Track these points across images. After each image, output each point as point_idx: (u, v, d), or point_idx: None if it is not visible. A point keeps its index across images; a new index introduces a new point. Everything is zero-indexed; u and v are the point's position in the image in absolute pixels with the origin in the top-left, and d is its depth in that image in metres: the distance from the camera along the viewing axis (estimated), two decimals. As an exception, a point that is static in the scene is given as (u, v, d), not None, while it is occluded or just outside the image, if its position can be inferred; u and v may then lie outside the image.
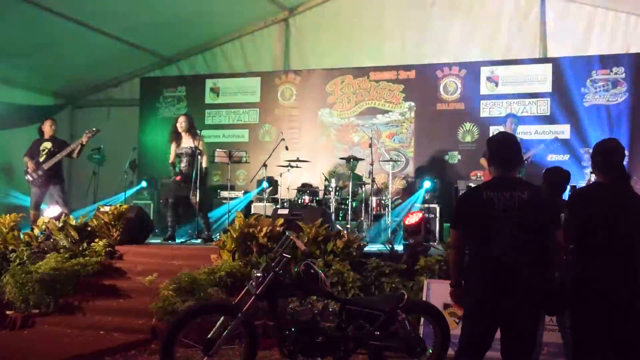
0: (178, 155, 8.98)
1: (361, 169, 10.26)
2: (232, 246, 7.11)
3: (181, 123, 9.00)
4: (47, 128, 9.30)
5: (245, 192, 10.78)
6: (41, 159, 9.02)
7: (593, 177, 4.26)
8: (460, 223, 3.75)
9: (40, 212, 9.04)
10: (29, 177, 9.05)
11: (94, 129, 9.32)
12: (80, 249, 7.68)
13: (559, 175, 4.95)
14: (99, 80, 13.00)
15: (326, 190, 9.71)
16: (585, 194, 4.16)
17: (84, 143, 9.17)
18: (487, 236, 3.59)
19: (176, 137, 9.04)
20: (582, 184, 8.85)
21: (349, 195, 9.49)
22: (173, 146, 9.03)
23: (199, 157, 8.78)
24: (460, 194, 3.94)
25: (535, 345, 3.75)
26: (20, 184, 9.64)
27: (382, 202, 9.84)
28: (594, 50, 10.19)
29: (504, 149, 3.71)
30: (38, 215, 8.87)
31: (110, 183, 11.67)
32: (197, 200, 8.66)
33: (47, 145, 9.16)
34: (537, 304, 3.55)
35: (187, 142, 8.97)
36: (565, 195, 5.07)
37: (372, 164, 9.60)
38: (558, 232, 3.60)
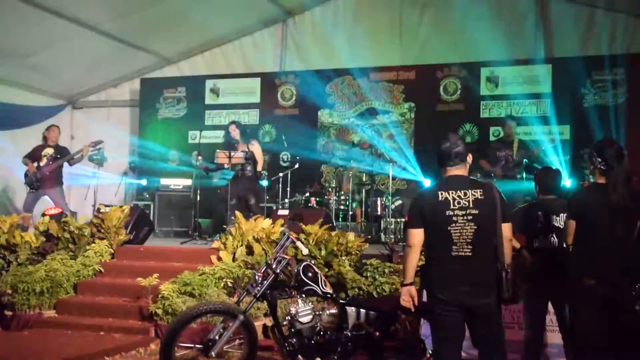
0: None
1: (361, 170, 10.26)
2: (232, 247, 7.11)
3: (233, 130, 9.12)
4: (51, 134, 9.37)
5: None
6: (42, 164, 9.07)
7: (591, 178, 4.26)
8: (417, 223, 3.84)
9: (33, 214, 9.08)
10: (27, 180, 9.10)
11: (98, 140, 9.38)
12: (81, 249, 7.68)
13: (550, 176, 4.94)
14: (99, 81, 12.99)
15: (326, 190, 9.72)
16: (585, 195, 4.16)
17: (84, 156, 9.28)
18: (446, 234, 3.70)
19: (229, 143, 9.20)
20: (582, 184, 8.85)
21: (349, 195, 9.50)
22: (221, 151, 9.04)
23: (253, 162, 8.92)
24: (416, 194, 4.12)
25: (503, 333, 3.86)
26: (18, 185, 9.64)
27: (382, 202, 9.84)
28: (594, 50, 10.18)
29: (450, 149, 3.82)
30: (30, 218, 8.91)
31: (110, 184, 11.68)
32: (253, 202, 8.81)
33: (49, 151, 9.22)
34: (495, 294, 3.69)
35: (241, 147, 9.02)
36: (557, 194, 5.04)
37: (372, 165, 9.60)
38: (505, 224, 3.76)
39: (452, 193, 3.74)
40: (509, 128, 8.96)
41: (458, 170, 3.84)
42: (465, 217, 3.68)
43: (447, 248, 3.70)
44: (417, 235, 3.84)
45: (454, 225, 3.69)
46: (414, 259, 3.88)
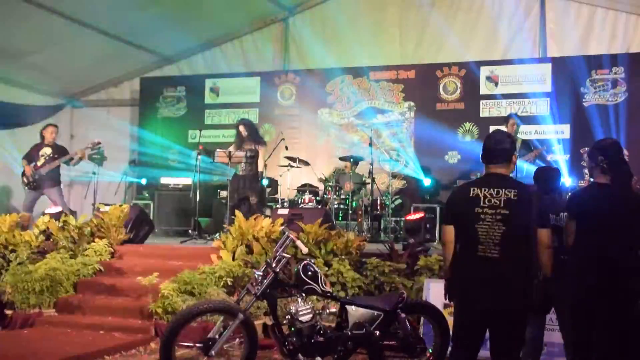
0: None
1: (361, 169, 10.27)
2: (232, 246, 7.11)
3: (243, 130, 9.09)
4: (48, 134, 9.32)
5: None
6: (39, 163, 9.05)
7: (590, 178, 4.25)
8: (449, 218, 3.82)
9: (32, 214, 9.07)
10: (25, 180, 9.09)
11: (96, 140, 9.36)
12: (81, 248, 7.68)
13: (549, 175, 4.94)
14: (99, 80, 12.99)
15: (326, 190, 9.72)
16: (585, 195, 4.16)
17: (82, 158, 9.27)
18: (473, 232, 3.63)
19: (240, 141, 9.09)
20: (581, 184, 8.86)
21: (349, 195, 9.50)
22: (232, 148, 9.02)
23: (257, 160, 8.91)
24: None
25: (523, 342, 3.78)
26: (18, 184, 9.63)
27: (382, 201, 9.85)
28: (593, 50, 10.20)
29: (495, 147, 3.74)
30: (30, 217, 8.91)
31: (110, 183, 11.70)
32: (256, 200, 8.75)
33: (47, 150, 9.19)
34: (520, 300, 3.58)
35: (248, 145, 8.99)
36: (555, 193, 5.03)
37: (372, 164, 9.61)
38: (542, 230, 3.64)
39: (484, 190, 3.63)
40: (511, 126, 8.96)
41: (499, 169, 3.72)
42: (494, 217, 3.57)
43: (473, 247, 3.61)
44: (449, 232, 3.79)
45: (481, 223, 3.58)
46: (449, 254, 3.82)
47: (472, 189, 3.70)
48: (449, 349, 4.03)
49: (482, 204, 3.62)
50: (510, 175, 3.85)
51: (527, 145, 9.03)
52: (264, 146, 9.24)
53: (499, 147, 3.73)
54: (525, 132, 9.88)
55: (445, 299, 3.95)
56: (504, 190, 3.61)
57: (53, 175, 9.15)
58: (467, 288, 3.65)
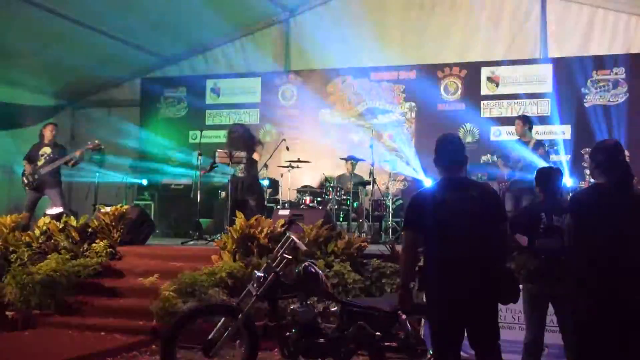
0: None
1: (362, 170, 10.26)
2: (233, 247, 7.10)
3: (235, 138, 8.98)
4: (48, 133, 9.30)
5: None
6: (39, 163, 9.05)
7: (590, 179, 4.25)
8: (412, 225, 3.87)
9: (34, 214, 9.07)
10: (25, 180, 9.09)
11: (96, 141, 9.35)
12: (81, 249, 7.68)
13: (550, 176, 4.93)
14: (100, 81, 12.98)
15: (327, 190, 9.71)
16: (586, 195, 4.16)
17: (81, 159, 9.26)
18: (441, 237, 3.70)
19: (230, 147, 8.98)
20: (582, 184, 8.85)
21: (349, 195, 9.50)
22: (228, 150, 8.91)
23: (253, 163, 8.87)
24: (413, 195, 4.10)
25: (498, 334, 3.82)
26: (18, 185, 9.64)
27: (383, 202, 9.84)
28: (594, 50, 10.20)
29: (449, 150, 3.85)
30: (30, 218, 8.91)
31: (111, 184, 11.71)
32: (254, 203, 8.74)
33: (47, 150, 9.18)
34: (492, 294, 3.67)
35: (241, 153, 8.89)
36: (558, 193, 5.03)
37: (372, 165, 9.60)
38: (504, 224, 3.79)
39: (449, 194, 3.73)
40: (516, 127, 8.93)
41: (456, 172, 3.83)
42: (461, 218, 3.66)
43: (443, 249, 3.69)
44: (411, 236, 3.87)
45: (450, 226, 3.67)
46: (409, 259, 3.89)
47: (436, 193, 3.79)
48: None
49: (448, 207, 3.70)
50: (467, 175, 3.98)
51: (540, 144, 8.97)
52: (260, 149, 9.12)
53: (452, 150, 3.84)
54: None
55: (400, 305, 4.03)
56: (467, 192, 3.74)
57: (53, 176, 9.14)
58: (441, 290, 3.69)
